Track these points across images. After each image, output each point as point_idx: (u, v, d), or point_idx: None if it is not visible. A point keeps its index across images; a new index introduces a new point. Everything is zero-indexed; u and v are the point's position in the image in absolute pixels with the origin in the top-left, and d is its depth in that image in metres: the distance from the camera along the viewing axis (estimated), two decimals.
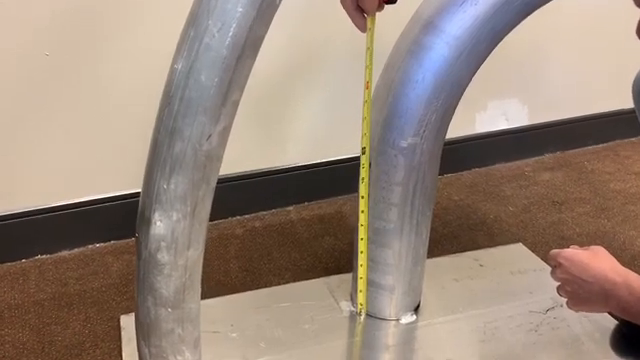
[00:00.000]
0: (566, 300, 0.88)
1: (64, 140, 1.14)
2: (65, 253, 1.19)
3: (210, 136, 0.59)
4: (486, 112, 1.54)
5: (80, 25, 1.07)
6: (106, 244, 1.22)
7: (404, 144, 0.86)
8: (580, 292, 0.83)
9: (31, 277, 1.13)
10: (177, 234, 0.63)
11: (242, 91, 0.60)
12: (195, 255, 0.66)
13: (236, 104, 0.60)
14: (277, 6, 0.57)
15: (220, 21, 0.56)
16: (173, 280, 0.66)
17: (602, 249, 0.86)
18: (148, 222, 0.63)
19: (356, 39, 1.26)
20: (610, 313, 0.94)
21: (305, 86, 1.30)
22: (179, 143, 0.59)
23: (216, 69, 0.57)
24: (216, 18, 0.55)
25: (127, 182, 1.18)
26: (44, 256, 1.18)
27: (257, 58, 1.08)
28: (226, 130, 0.60)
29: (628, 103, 1.70)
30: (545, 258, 1.11)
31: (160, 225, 0.62)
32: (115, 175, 1.19)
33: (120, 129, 1.16)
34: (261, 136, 1.30)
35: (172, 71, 0.59)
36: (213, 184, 0.63)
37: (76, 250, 1.20)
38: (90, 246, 1.22)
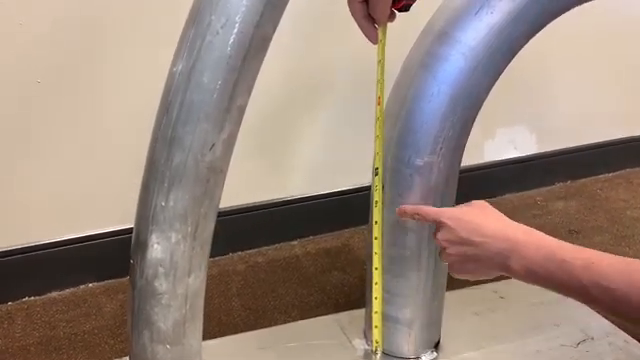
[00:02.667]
0: (449, 266, 0.73)
1: (54, 173, 1.08)
2: (55, 294, 1.12)
3: (213, 145, 0.53)
4: (494, 140, 1.49)
5: (74, 52, 1.02)
6: (99, 284, 1.15)
7: (420, 162, 0.80)
8: (470, 255, 0.69)
9: (17, 320, 1.05)
10: (176, 258, 0.56)
11: (249, 95, 0.54)
12: (196, 283, 0.59)
13: (242, 110, 0.54)
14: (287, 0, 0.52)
15: (224, 16, 0.50)
16: (172, 312, 0.58)
17: (486, 203, 0.72)
18: (144, 245, 0.56)
19: (359, 66, 1.23)
20: None
21: (308, 113, 1.25)
22: (179, 154, 0.53)
23: (220, 70, 0.51)
24: (220, 13, 0.50)
25: (122, 217, 1.12)
26: (32, 298, 1.11)
27: (258, 84, 1.02)
28: (231, 139, 0.54)
29: (638, 130, 1.68)
30: None
31: (157, 248, 0.55)
32: (109, 210, 1.13)
33: (115, 162, 1.11)
34: (262, 166, 1.25)
35: (171, 74, 0.53)
36: (217, 200, 0.57)
37: (67, 291, 1.13)
38: (82, 286, 1.15)
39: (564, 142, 1.57)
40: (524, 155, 1.54)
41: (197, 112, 0.52)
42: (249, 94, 0.55)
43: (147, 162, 0.56)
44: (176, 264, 0.56)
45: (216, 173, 0.55)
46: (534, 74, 1.45)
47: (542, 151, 1.55)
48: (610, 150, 1.63)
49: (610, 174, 1.64)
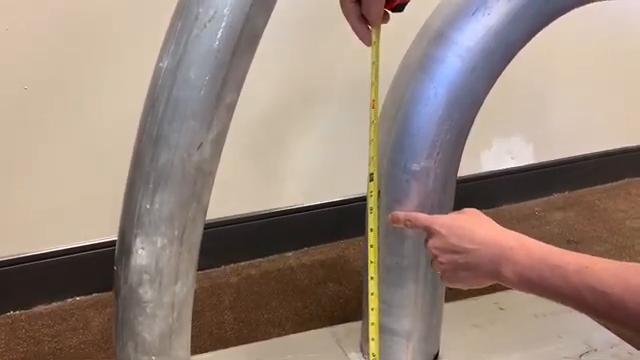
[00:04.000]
0: (440, 274, 0.71)
1: (40, 183, 1.06)
2: (41, 308, 1.09)
3: (201, 144, 0.51)
4: (491, 150, 1.48)
5: (61, 58, 1.00)
6: (87, 297, 1.12)
7: (416, 167, 0.78)
8: (461, 263, 0.67)
9: (1, 335, 1.02)
10: (162, 264, 0.53)
11: (238, 93, 0.52)
12: (184, 291, 0.56)
13: (231, 108, 0.52)
14: None
15: (212, 8, 0.48)
16: (158, 321, 0.55)
17: (477, 210, 0.71)
18: (128, 250, 0.53)
19: (354, 73, 1.21)
20: None
21: (303, 121, 1.23)
22: (165, 153, 0.51)
23: (207, 65, 0.49)
24: (207, 5, 0.48)
25: (111, 228, 1.08)
26: (17, 312, 1.08)
27: (251, 93, 0.99)
28: (220, 138, 0.52)
29: (635, 140, 1.67)
30: None
31: (142, 253, 0.53)
32: (98, 221, 1.09)
33: (104, 171, 1.08)
34: (256, 176, 1.22)
35: (157, 70, 0.51)
36: (205, 204, 0.54)
37: (54, 304, 1.10)
38: (69, 300, 1.11)
39: (561, 152, 1.56)
40: (521, 165, 1.52)
41: (184, 109, 0.50)
42: (238, 92, 0.53)
43: (132, 162, 0.53)
44: (162, 270, 0.53)
45: (204, 175, 0.53)
46: (531, 84, 1.44)
47: (539, 161, 1.54)
48: (608, 160, 1.62)
49: (608, 184, 1.62)
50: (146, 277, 0.53)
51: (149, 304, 0.54)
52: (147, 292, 0.54)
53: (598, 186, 1.61)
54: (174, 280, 0.55)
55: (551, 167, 1.55)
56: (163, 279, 0.54)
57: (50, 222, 1.08)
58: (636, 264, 0.57)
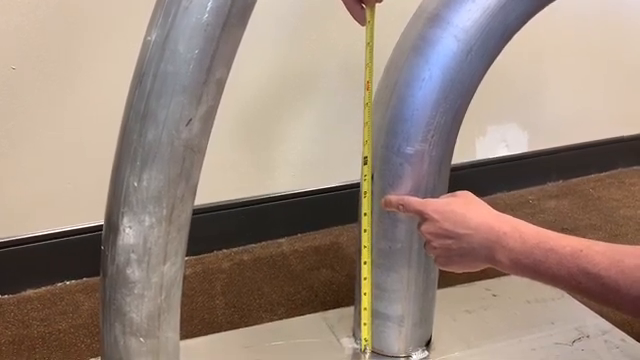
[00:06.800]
0: (434, 258, 0.72)
1: (29, 165, 1.04)
2: (30, 292, 1.08)
3: (190, 121, 0.49)
4: (485, 138, 1.47)
5: (51, 38, 0.98)
6: (77, 281, 1.11)
7: (410, 151, 0.77)
8: (455, 248, 0.67)
9: None
10: (150, 243, 0.52)
11: (228, 69, 0.51)
12: (172, 271, 0.55)
13: (221, 84, 0.51)
14: None
15: None
16: (146, 302, 0.54)
17: (470, 193, 0.71)
18: (115, 229, 0.52)
19: (348, 59, 1.20)
20: None
21: (296, 107, 1.22)
22: (152, 129, 0.49)
23: (197, 38, 0.48)
24: None
25: (102, 212, 1.07)
26: (5, 296, 1.07)
27: (245, 78, 0.97)
28: (210, 115, 0.51)
29: (629, 130, 1.66)
30: None
31: (129, 232, 0.52)
32: (88, 204, 1.08)
33: (94, 153, 1.06)
34: (249, 161, 1.21)
35: (145, 44, 0.50)
36: (194, 182, 0.53)
37: (43, 288, 1.09)
38: (59, 284, 1.10)
39: (556, 141, 1.55)
40: (516, 154, 1.51)
41: (172, 84, 0.48)
42: (229, 67, 0.51)
43: (119, 138, 0.52)
44: (149, 250, 0.52)
45: (193, 152, 0.52)
46: (526, 72, 1.43)
47: (534, 150, 1.53)
48: (602, 149, 1.61)
49: (602, 174, 1.62)
50: (134, 257, 0.52)
51: (137, 284, 0.53)
52: (135, 272, 0.53)
53: (592, 175, 1.61)
54: (162, 260, 0.54)
55: (545, 155, 1.55)
56: (151, 259, 0.53)
57: (40, 205, 1.07)
58: (630, 247, 0.57)
